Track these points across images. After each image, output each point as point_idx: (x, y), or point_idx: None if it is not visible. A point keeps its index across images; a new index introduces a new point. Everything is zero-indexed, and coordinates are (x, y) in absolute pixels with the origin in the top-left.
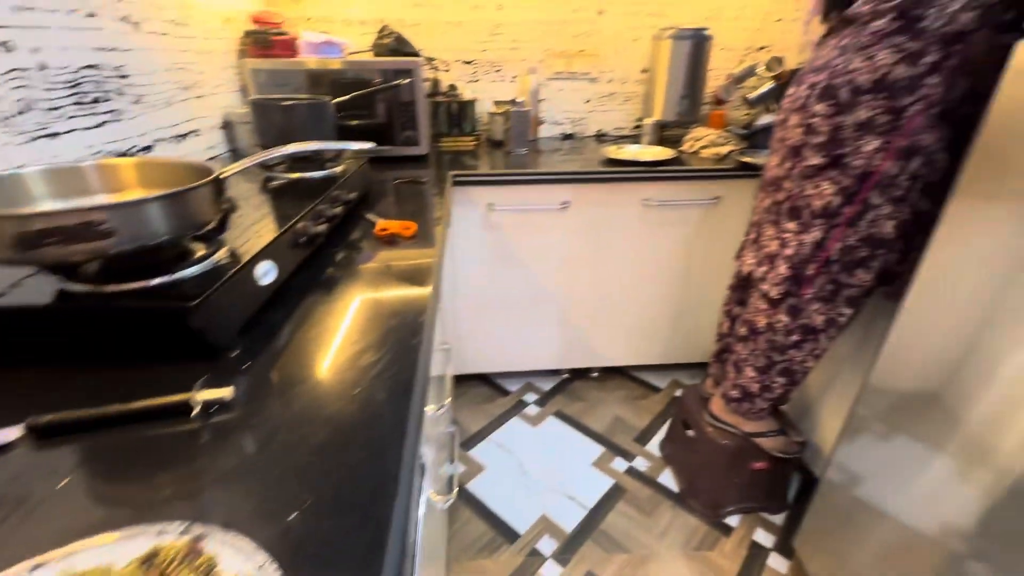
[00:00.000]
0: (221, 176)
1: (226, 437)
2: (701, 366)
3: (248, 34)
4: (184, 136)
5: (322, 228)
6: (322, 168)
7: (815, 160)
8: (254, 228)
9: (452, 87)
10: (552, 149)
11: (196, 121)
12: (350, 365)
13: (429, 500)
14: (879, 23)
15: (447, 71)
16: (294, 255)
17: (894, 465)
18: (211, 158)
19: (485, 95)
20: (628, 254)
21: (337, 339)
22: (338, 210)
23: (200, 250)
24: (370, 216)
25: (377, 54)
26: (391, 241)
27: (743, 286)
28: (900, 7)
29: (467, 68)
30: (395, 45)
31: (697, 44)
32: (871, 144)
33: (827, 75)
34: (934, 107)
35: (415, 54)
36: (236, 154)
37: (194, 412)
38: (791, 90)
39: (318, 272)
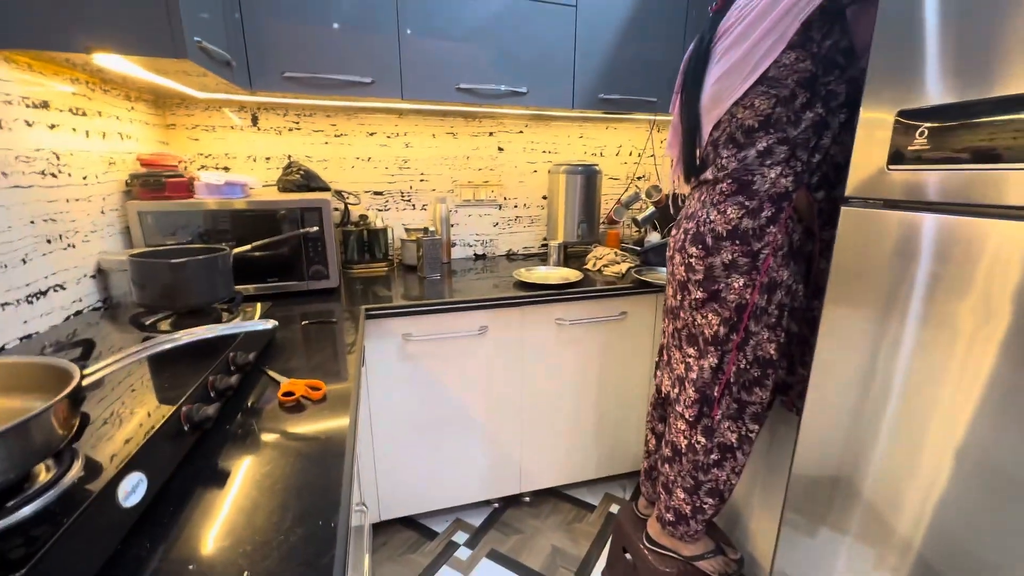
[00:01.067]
0: (82, 383)
1: None
2: (631, 475)
3: (135, 176)
4: (43, 293)
5: (212, 411)
6: (217, 320)
7: (698, 294)
8: (121, 420)
9: (363, 216)
10: (465, 270)
11: (61, 274)
12: None
13: None
14: (723, 186)
15: (357, 203)
16: (174, 450)
17: (826, 562)
18: (77, 312)
19: (396, 222)
20: (547, 373)
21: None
22: (233, 380)
23: (42, 473)
24: (273, 374)
25: (283, 189)
26: (297, 407)
27: (663, 403)
28: (734, 175)
29: (377, 198)
30: (302, 180)
31: (588, 177)
32: (739, 281)
33: (695, 224)
34: (780, 249)
35: (324, 188)
36: (109, 303)
37: None
38: (674, 232)
39: (203, 463)
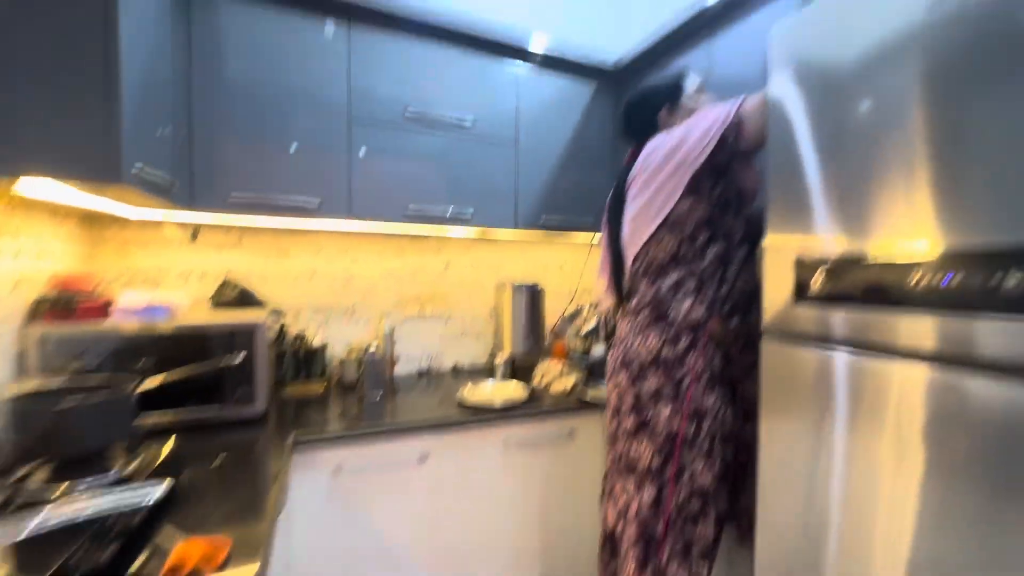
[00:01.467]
0: None
1: None
2: None
3: (43, 300)
4: None
5: None
6: (106, 469)
7: (629, 422)
8: None
9: (299, 336)
10: (409, 387)
11: None
12: None
13: None
14: (644, 314)
15: (295, 320)
16: None
17: None
18: None
19: (337, 337)
20: (493, 502)
21: None
22: (107, 554)
23: None
24: (165, 535)
25: (216, 305)
26: None
27: (611, 538)
28: (651, 304)
29: (318, 315)
30: (238, 298)
31: (532, 295)
32: (666, 409)
33: (623, 350)
34: (702, 375)
35: (259, 304)
36: None
37: None
38: (611, 353)
39: None
